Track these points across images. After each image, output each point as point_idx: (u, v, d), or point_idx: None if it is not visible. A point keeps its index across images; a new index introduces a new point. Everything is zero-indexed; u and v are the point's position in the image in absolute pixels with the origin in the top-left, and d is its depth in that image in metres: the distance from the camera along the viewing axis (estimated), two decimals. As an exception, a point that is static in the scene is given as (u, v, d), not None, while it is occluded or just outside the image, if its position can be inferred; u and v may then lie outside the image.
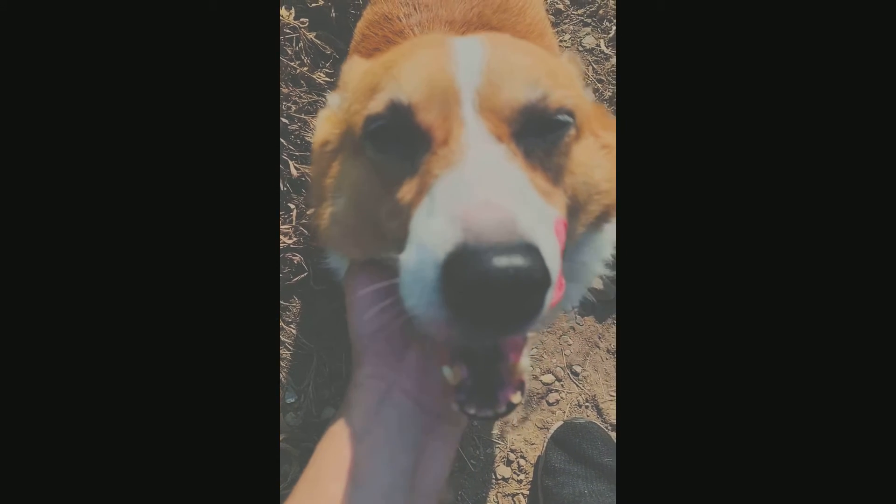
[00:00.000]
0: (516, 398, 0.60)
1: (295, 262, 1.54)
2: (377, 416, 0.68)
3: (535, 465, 1.52)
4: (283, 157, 1.57)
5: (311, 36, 1.63)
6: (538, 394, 1.58)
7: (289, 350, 1.55)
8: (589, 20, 1.87)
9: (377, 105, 0.66)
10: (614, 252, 0.87)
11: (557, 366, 1.61)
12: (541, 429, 1.56)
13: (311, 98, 1.62)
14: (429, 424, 0.70)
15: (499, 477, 1.52)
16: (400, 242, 0.60)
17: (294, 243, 1.54)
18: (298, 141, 1.59)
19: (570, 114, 0.67)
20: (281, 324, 1.55)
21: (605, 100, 1.79)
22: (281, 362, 1.53)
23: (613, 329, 1.64)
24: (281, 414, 1.49)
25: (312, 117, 1.59)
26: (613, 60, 1.81)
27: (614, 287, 1.60)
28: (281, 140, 1.56)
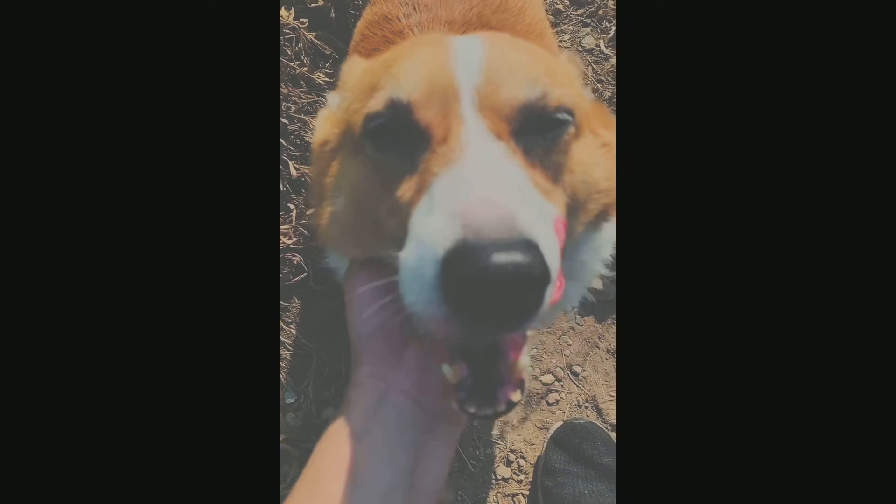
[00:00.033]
0: (516, 396, 0.60)
1: (294, 262, 1.54)
2: (376, 416, 0.68)
3: (535, 466, 1.52)
4: (283, 157, 1.57)
5: (311, 36, 1.63)
6: (538, 394, 1.58)
7: (288, 350, 1.55)
8: (588, 20, 1.87)
9: (376, 103, 0.66)
10: (614, 252, 0.87)
11: (557, 366, 1.61)
12: (541, 429, 1.56)
13: (310, 98, 1.62)
14: (428, 424, 0.69)
15: (499, 477, 1.51)
16: (399, 240, 0.60)
17: (294, 243, 1.54)
18: (298, 141, 1.59)
19: (570, 112, 0.67)
20: (280, 324, 1.55)
21: (605, 100, 1.79)
22: (281, 363, 1.53)
23: (613, 329, 1.64)
24: (281, 414, 1.49)
25: (312, 117, 1.59)
26: (613, 61, 1.81)
27: (614, 287, 1.60)
28: (280, 140, 1.56)
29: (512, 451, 1.53)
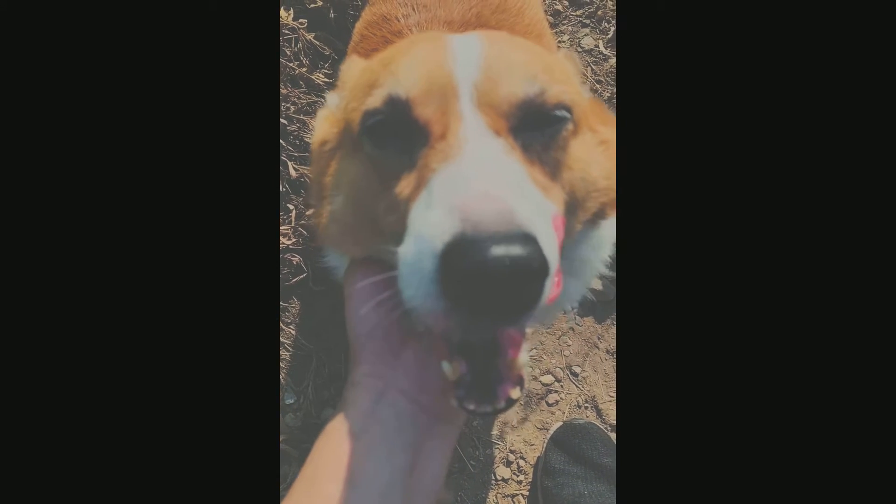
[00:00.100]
0: (515, 393, 0.60)
1: (294, 262, 1.54)
2: (374, 415, 0.68)
3: (535, 466, 1.52)
4: (282, 157, 1.57)
5: (310, 37, 1.63)
6: (538, 394, 1.58)
7: (288, 351, 1.54)
8: (588, 21, 1.87)
9: (375, 100, 0.66)
10: (614, 252, 0.87)
11: (557, 366, 1.61)
12: (540, 429, 1.55)
13: (309, 99, 1.62)
14: (426, 423, 0.69)
15: (498, 478, 1.51)
16: (398, 237, 0.60)
17: (293, 244, 1.54)
18: (297, 142, 1.59)
19: (568, 109, 0.67)
20: (280, 325, 1.54)
21: (604, 100, 1.79)
22: (280, 363, 1.53)
23: (613, 329, 1.64)
24: (280, 415, 1.49)
25: (311, 118, 1.59)
26: (612, 61, 1.82)
27: (614, 287, 1.60)
28: (280, 141, 1.56)
29: (511, 452, 1.53)
